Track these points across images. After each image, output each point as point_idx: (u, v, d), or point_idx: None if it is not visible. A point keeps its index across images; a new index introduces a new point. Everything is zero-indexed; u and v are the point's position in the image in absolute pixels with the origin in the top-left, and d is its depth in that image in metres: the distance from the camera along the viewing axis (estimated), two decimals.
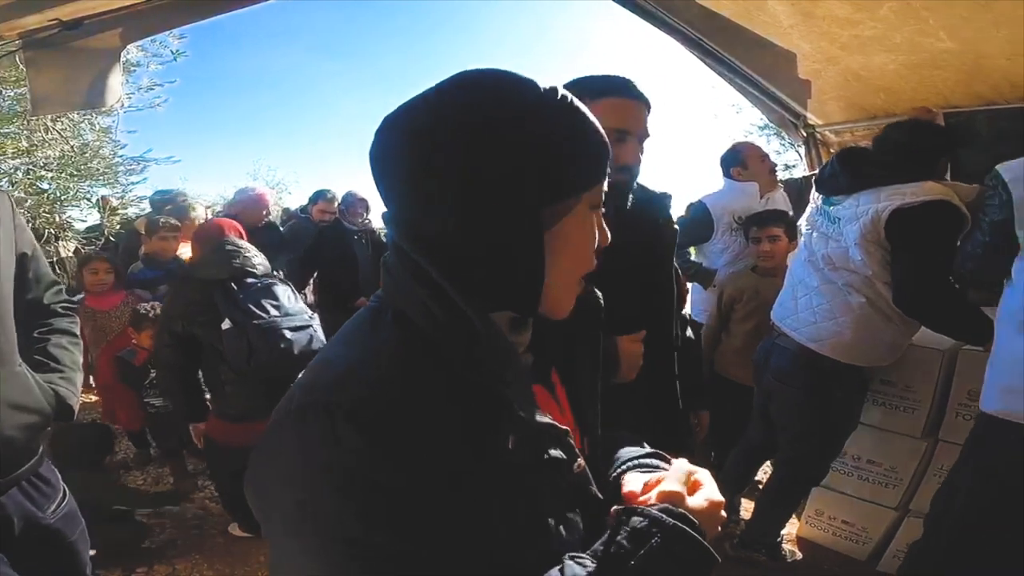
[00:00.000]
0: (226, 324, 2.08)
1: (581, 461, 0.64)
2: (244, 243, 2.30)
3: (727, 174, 2.70)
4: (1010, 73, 2.02)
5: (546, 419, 0.59)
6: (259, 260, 2.25)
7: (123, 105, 3.89)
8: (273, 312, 2.11)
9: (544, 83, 0.56)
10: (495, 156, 0.53)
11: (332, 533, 0.49)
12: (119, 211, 4.37)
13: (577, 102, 0.57)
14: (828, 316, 1.93)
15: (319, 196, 4.28)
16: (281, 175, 17.90)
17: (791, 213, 2.65)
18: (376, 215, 5.35)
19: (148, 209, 4.53)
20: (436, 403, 0.52)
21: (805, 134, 2.87)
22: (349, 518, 0.49)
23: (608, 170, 0.59)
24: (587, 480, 0.66)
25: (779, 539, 2.28)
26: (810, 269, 2.02)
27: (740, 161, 2.65)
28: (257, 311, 2.09)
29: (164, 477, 3.11)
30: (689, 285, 2.80)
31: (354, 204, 4.25)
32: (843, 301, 1.90)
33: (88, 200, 4.07)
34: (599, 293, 0.75)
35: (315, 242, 4.11)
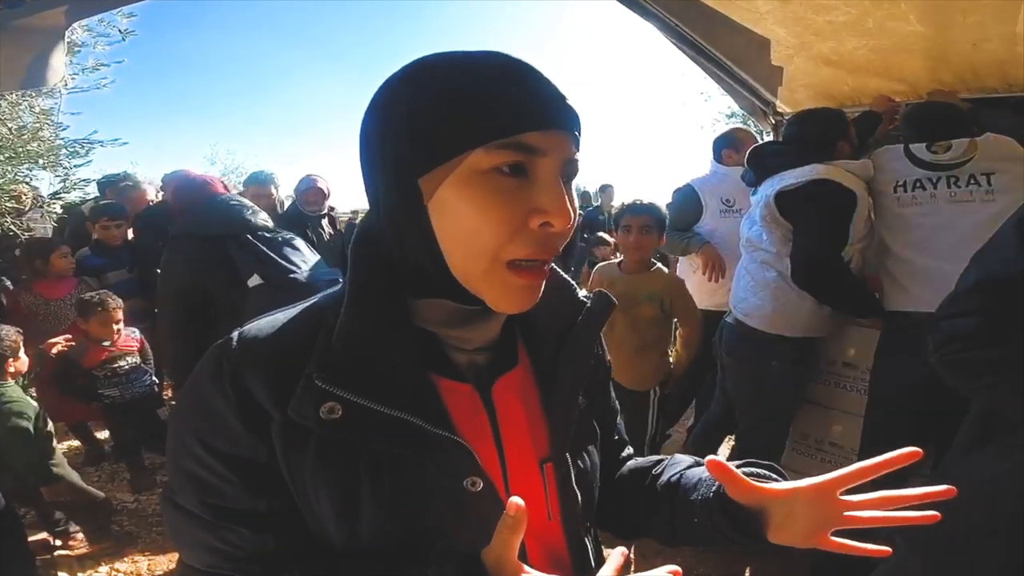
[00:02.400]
0: (254, 280, 1.84)
1: (479, 480, 0.56)
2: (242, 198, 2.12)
3: (717, 157, 2.75)
4: (974, 60, 2.04)
5: (401, 415, 0.53)
6: (264, 215, 2.05)
7: (66, 85, 3.63)
8: (304, 266, 1.91)
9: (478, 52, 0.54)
10: (378, 126, 0.54)
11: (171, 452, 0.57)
12: (61, 195, 4.13)
13: (466, 63, 0.52)
14: (753, 291, 2.11)
15: (252, 180, 3.78)
16: (240, 159, 17.26)
17: None
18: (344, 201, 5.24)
19: (96, 193, 4.27)
20: (284, 354, 0.55)
21: (774, 121, 2.86)
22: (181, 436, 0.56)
23: (512, 126, 0.50)
24: (489, 505, 0.56)
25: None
26: (743, 251, 2.21)
27: (733, 144, 2.70)
28: (289, 265, 1.87)
29: (120, 473, 2.95)
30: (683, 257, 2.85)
31: (310, 190, 3.88)
32: (762, 277, 2.08)
33: (27, 183, 3.81)
34: (612, 298, 0.69)
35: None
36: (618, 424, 0.82)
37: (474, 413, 0.60)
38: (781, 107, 2.80)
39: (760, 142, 2.66)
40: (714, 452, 2.52)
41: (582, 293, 0.69)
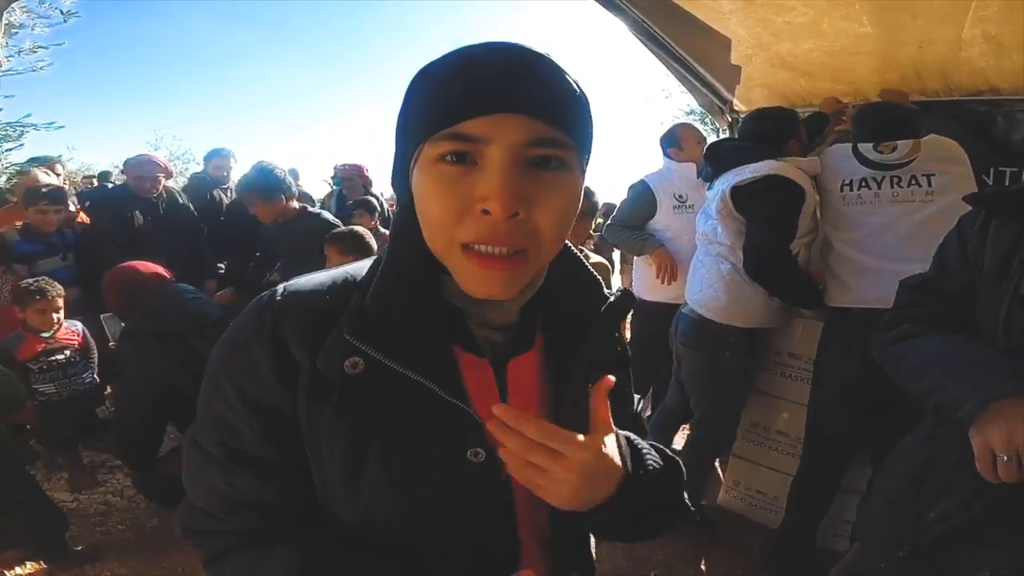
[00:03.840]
0: None
1: (482, 451, 0.58)
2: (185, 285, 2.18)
3: (666, 154, 2.75)
4: (919, 62, 2.11)
5: (419, 378, 0.56)
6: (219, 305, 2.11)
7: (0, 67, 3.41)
8: None
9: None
10: (396, 126, 0.58)
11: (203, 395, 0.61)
12: None
13: (444, 59, 0.54)
14: (708, 283, 2.12)
15: (214, 154, 4.00)
16: (188, 145, 16.54)
17: None
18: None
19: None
20: (324, 308, 0.58)
21: (730, 119, 2.90)
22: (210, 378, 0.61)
23: (449, 116, 0.51)
24: (486, 476, 0.59)
25: (700, 506, 2.34)
26: (698, 244, 2.24)
27: (675, 142, 2.71)
28: None
29: (55, 472, 2.73)
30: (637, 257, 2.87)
31: None
32: (716, 269, 2.11)
33: None
34: (631, 294, 0.71)
35: (225, 217, 3.75)
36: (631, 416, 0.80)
37: (487, 387, 0.61)
38: (738, 105, 2.84)
39: (702, 136, 2.73)
40: (670, 440, 2.56)
41: (607, 290, 0.70)
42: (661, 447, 0.69)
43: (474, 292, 0.55)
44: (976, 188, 1.84)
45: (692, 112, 7.49)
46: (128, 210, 3.21)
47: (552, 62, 0.54)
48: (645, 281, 2.84)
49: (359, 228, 2.64)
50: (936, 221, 1.75)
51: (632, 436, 0.65)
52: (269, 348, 0.56)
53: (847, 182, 1.93)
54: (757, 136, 2.08)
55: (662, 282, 2.69)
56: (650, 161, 2.83)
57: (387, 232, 4.20)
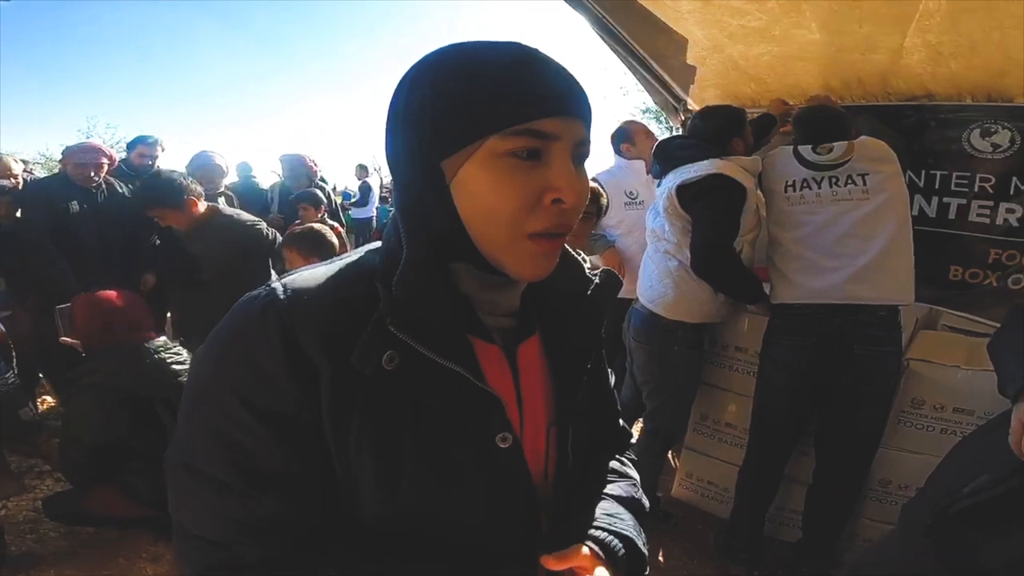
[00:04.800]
0: None
1: (509, 436, 0.60)
2: (163, 340, 2.06)
3: (617, 151, 2.77)
4: (861, 69, 2.19)
5: (453, 366, 0.56)
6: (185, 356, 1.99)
7: None
8: None
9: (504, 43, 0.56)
10: (404, 111, 0.56)
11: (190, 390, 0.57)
12: None
13: (486, 51, 0.55)
14: (658, 280, 2.17)
15: (139, 141, 3.63)
16: (123, 134, 15.68)
17: None
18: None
19: None
20: (340, 303, 0.55)
21: (683, 118, 2.94)
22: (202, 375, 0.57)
23: (526, 114, 0.53)
24: (514, 461, 0.61)
25: (657, 498, 2.40)
26: (648, 242, 2.28)
27: (628, 138, 2.73)
28: None
29: None
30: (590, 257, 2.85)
31: (207, 167, 3.56)
32: (665, 266, 2.15)
33: None
34: (619, 277, 0.73)
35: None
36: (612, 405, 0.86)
37: (502, 373, 0.63)
38: (691, 105, 2.88)
39: (653, 134, 2.77)
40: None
41: (589, 269, 0.73)
42: (623, 494, 0.75)
43: (529, 275, 0.58)
44: (906, 185, 1.93)
45: (648, 111, 7.67)
46: (64, 199, 2.98)
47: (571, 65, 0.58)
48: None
49: (319, 227, 2.54)
50: (872, 217, 1.85)
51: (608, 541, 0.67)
52: (280, 352, 0.52)
53: (790, 183, 1.99)
54: (704, 134, 2.11)
55: None
56: (606, 158, 2.85)
57: (336, 225, 4.09)
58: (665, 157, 2.16)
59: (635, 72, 2.61)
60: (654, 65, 2.50)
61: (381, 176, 8.99)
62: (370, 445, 0.54)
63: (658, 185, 2.24)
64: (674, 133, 3.16)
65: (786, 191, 2.00)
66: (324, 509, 0.56)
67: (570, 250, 0.70)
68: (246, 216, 2.76)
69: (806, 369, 1.90)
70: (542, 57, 0.56)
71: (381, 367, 0.53)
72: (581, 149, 0.57)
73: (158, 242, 3.20)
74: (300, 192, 3.81)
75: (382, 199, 8.85)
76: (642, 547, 0.70)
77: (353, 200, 8.32)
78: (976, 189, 2.34)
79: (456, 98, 0.54)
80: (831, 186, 1.91)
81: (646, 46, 2.40)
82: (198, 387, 0.57)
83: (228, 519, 0.53)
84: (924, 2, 1.60)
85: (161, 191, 2.48)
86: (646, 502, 0.79)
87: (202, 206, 2.61)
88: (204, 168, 3.55)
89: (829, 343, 1.86)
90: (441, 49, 0.58)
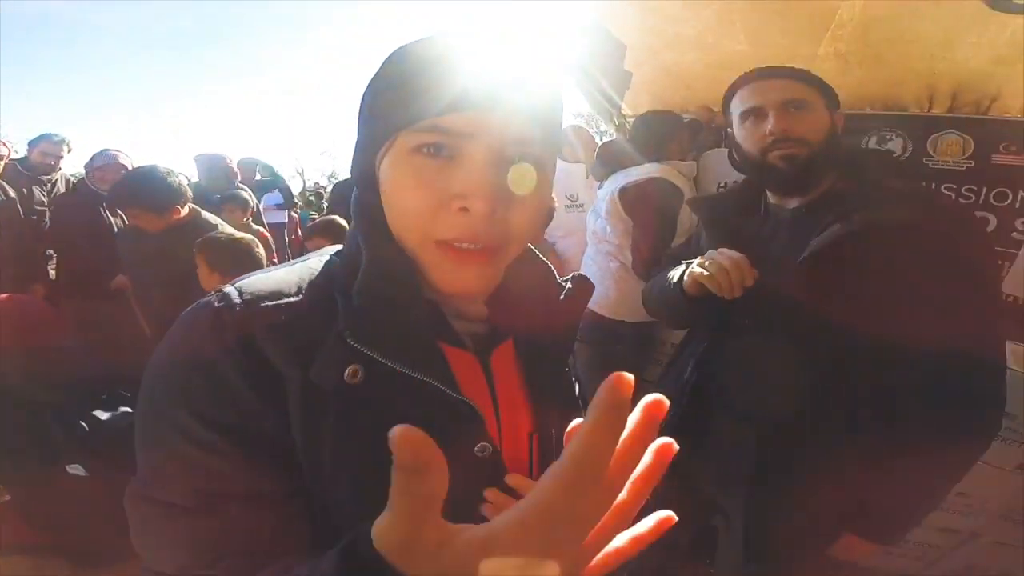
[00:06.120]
0: (74, 468, 1.60)
1: (488, 446, 0.57)
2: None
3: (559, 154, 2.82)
4: None
5: (423, 377, 0.52)
6: None
7: None
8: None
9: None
10: (358, 112, 0.56)
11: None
12: None
13: (417, 46, 0.53)
14: (599, 281, 2.22)
15: (43, 138, 3.30)
16: (7, 131, 13.96)
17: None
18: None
19: None
20: (298, 313, 0.51)
21: (617, 123, 3.02)
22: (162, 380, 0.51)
23: (432, 108, 0.49)
24: (494, 470, 0.58)
25: None
26: (589, 243, 2.36)
27: (568, 142, 2.80)
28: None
29: None
30: None
31: (109, 167, 3.19)
32: (606, 267, 2.25)
33: None
34: (590, 281, 0.71)
35: (53, 212, 3.17)
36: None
37: (475, 380, 0.59)
38: (625, 110, 2.97)
39: (592, 138, 2.88)
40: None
41: (559, 277, 0.70)
42: None
43: (446, 288, 0.54)
44: None
45: (579, 116, 8.02)
46: None
47: (534, 58, 0.53)
48: None
49: (242, 237, 2.37)
50: None
51: None
52: (240, 361, 0.48)
53: (722, 184, 2.13)
54: (644, 139, 2.20)
55: None
56: None
57: (261, 229, 3.84)
58: (607, 160, 2.24)
59: (572, 75, 2.68)
60: (592, 69, 2.59)
61: (304, 179, 8.63)
62: (343, 458, 0.51)
63: (599, 187, 2.31)
64: (607, 138, 3.30)
65: (718, 191, 2.13)
66: (298, 527, 0.51)
67: (539, 256, 0.68)
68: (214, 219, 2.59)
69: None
70: (467, 45, 0.51)
71: (343, 382, 0.50)
72: (523, 149, 0.51)
73: None
74: (226, 193, 3.55)
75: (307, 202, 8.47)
76: None
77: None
78: None
79: (379, 93, 0.53)
80: None
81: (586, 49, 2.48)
82: (149, 406, 0.51)
83: (192, 546, 0.48)
84: (839, 13, 1.77)
85: (153, 194, 2.28)
86: None
87: (184, 211, 2.43)
88: (107, 167, 3.22)
89: None
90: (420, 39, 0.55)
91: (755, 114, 1.30)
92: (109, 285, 3.21)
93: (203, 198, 3.74)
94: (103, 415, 1.94)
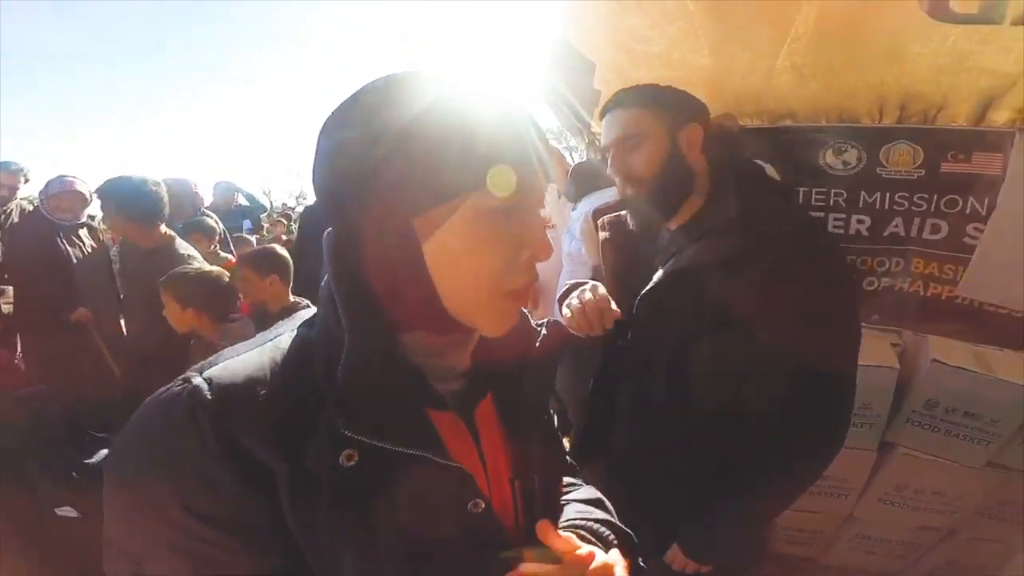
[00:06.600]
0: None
1: (481, 502, 0.60)
2: None
3: None
4: (739, 91, 2.43)
5: (413, 451, 0.54)
6: None
7: None
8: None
9: (450, 86, 0.53)
10: (360, 163, 0.51)
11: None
12: None
13: (456, 102, 0.52)
14: None
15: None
16: None
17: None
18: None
19: None
20: (274, 401, 0.50)
21: (587, 140, 3.01)
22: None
23: (511, 165, 0.53)
24: (488, 522, 0.61)
25: None
26: (564, 263, 2.39)
27: None
28: None
29: None
30: None
31: (64, 194, 3.13)
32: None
33: None
34: (565, 327, 0.75)
35: (6, 243, 3.08)
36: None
37: (462, 438, 0.62)
38: (595, 128, 2.98)
39: (564, 158, 2.93)
40: None
41: (534, 322, 0.73)
42: (604, 517, 0.78)
43: (499, 331, 0.57)
44: None
45: (548, 131, 8.20)
46: None
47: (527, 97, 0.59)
48: None
49: (211, 271, 2.33)
50: None
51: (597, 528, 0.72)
52: (222, 458, 0.48)
53: None
54: None
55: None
56: None
57: (229, 257, 3.75)
58: (579, 181, 2.27)
59: (543, 93, 2.73)
60: (563, 86, 2.65)
61: (271, 200, 8.51)
62: (342, 537, 0.52)
63: (573, 209, 2.33)
64: (576, 156, 3.37)
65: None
66: None
67: None
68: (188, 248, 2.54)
69: None
70: (517, 102, 0.55)
71: (339, 466, 0.51)
72: (544, 197, 0.59)
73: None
74: (189, 221, 3.46)
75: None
76: (623, 527, 0.75)
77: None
78: (831, 203, 2.67)
79: (433, 151, 0.50)
80: None
81: (557, 68, 2.54)
82: (135, 495, 0.50)
83: None
84: (794, 27, 1.86)
85: (140, 205, 2.22)
86: (608, 504, 0.81)
87: (164, 231, 2.42)
88: (62, 195, 3.12)
89: None
90: (392, 85, 0.53)
91: (604, 152, 1.34)
92: (69, 318, 3.08)
93: (167, 226, 3.65)
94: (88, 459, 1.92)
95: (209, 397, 0.49)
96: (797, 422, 1.21)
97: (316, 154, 0.54)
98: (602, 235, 1.57)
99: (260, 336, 0.58)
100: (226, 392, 0.49)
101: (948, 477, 2.23)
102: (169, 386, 0.51)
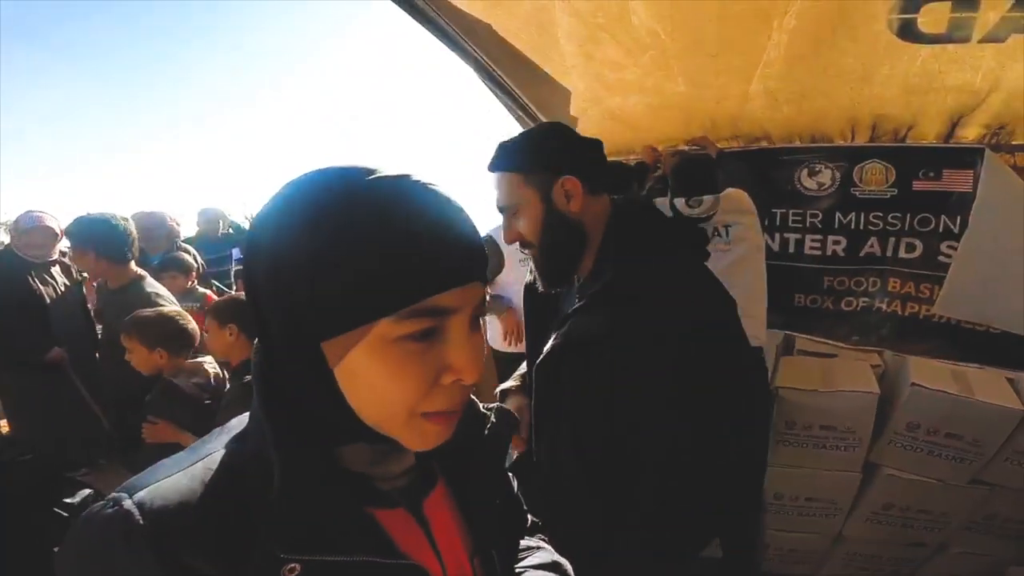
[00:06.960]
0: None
1: None
2: None
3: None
4: (715, 115, 2.48)
5: (358, 557, 0.52)
6: None
7: None
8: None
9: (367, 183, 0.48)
10: (271, 278, 0.49)
11: None
12: None
13: (382, 212, 0.47)
14: None
15: None
16: None
17: None
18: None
19: None
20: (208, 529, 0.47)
21: None
22: None
23: (424, 291, 0.48)
24: None
25: None
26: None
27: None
28: None
29: None
30: (488, 317, 2.85)
31: (34, 231, 3.02)
32: None
33: None
34: (514, 415, 0.73)
35: None
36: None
37: (412, 533, 0.60)
38: None
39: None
40: None
41: (483, 405, 0.71)
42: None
43: (424, 447, 0.54)
44: (762, 235, 2.15)
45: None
46: None
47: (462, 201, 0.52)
48: (500, 334, 2.92)
49: (171, 313, 2.30)
50: (734, 268, 2.00)
51: None
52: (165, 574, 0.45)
53: None
54: None
55: (509, 344, 2.77)
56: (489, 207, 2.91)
57: (208, 292, 3.68)
58: None
59: (519, 120, 2.74)
60: (538, 114, 2.66)
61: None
62: None
63: None
64: None
65: None
66: None
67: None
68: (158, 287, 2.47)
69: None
70: (446, 212, 0.50)
71: None
72: (480, 310, 0.54)
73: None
74: (167, 258, 3.39)
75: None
76: None
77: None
78: (808, 224, 2.70)
79: (340, 274, 0.46)
80: None
81: (531, 96, 2.55)
82: None
83: None
84: (766, 52, 1.89)
85: (111, 241, 2.19)
86: (568, 567, 0.80)
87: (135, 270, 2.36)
88: (32, 231, 3.05)
89: None
90: (320, 187, 0.49)
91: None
92: (44, 358, 3.01)
93: (142, 261, 3.57)
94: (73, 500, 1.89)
95: (141, 522, 0.46)
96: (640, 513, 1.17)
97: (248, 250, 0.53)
98: (528, 278, 1.55)
99: (188, 453, 0.55)
100: (157, 515, 0.47)
101: (933, 495, 2.24)
102: (101, 505, 0.48)
